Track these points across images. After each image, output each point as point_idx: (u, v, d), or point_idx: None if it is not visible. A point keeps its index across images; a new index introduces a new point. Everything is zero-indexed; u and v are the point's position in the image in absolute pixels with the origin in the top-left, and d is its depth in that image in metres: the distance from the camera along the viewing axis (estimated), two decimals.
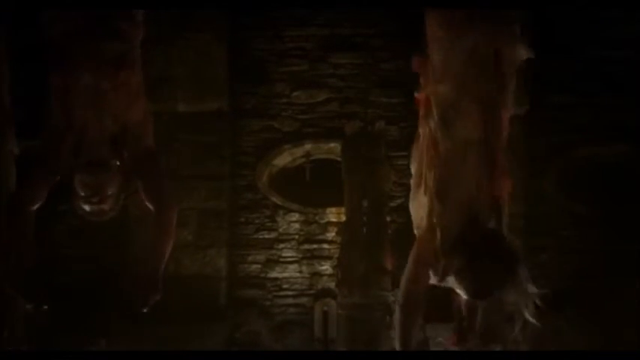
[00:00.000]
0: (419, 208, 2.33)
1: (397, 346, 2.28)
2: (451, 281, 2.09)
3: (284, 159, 5.08)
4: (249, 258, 4.98)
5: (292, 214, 5.01)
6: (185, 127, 4.71)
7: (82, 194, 2.35)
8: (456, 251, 2.07)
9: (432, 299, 4.47)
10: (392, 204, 4.59)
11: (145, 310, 2.54)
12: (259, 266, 4.98)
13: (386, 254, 4.22)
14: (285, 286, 4.97)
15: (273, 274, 4.98)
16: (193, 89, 4.71)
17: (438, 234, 2.13)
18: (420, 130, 2.38)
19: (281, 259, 4.99)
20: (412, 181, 2.41)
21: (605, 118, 4.75)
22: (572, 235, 4.73)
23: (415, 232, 2.38)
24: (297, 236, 5.02)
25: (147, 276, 2.54)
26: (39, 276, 2.46)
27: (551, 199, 4.81)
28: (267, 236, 5.00)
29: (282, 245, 5.01)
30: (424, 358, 3.63)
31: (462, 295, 2.14)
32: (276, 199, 5.00)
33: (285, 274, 4.98)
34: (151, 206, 2.50)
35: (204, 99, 4.73)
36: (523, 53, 2.22)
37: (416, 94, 2.37)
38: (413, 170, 2.44)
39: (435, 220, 2.15)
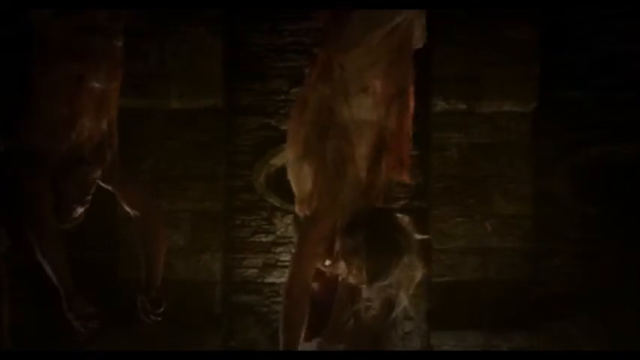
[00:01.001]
0: (305, 179, 2.21)
1: (281, 343, 2.15)
2: (341, 265, 2.07)
3: (282, 158, 4.90)
4: (246, 262, 4.94)
5: (290, 216, 4.91)
6: (178, 125, 4.67)
7: (77, 194, 2.31)
8: (354, 229, 2.04)
9: (437, 305, 4.39)
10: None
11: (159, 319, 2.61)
12: (256, 271, 4.93)
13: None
14: (282, 291, 4.87)
15: (271, 279, 4.92)
16: (187, 85, 4.66)
17: (339, 210, 2.09)
18: (309, 92, 2.25)
19: (279, 264, 4.93)
20: (292, 148, 2.27)
21: (617, 114, 4.69)
22: (583, 238, 4.67)
23: (298, 206, 2.27)
24: (295, 239, 4.87)
25: (149, 287, 2.55)
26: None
27: (560, 200, 4.77)
28: (264, 239, 4.96)
29: (279, 249, 4.95)
30: (424, 358, 3.75)
31: (352, 279, 2.09)
32: (273, 201, 4.95)
33: (283, 279, 4.65)
34: (133, 213, 2.45)
35: (199, 95, 4.69)
36: (419, 42, 2.22)
37: (316, 51, 2.26)
38: (293, 136, 2.26)
39: (334, 196, 2.09)
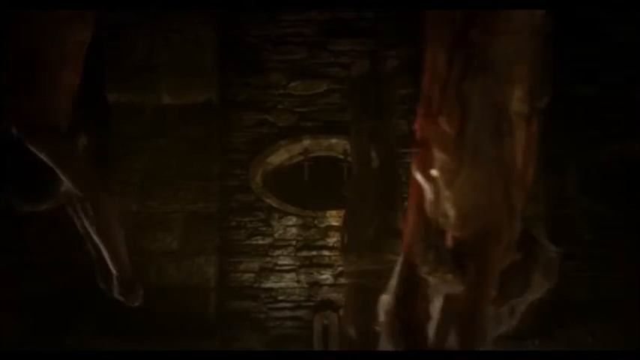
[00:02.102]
0: (472, 190, 1.94)
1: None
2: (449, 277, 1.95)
3: (280, 156, 5.00)
4: (242, 266, 4.87)
5: (289, 217, 4.91)
6: (170, 121, 4.61)
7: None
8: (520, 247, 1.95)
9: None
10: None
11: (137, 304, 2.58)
12: (252, 275, 4.87)
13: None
14: (281, 297, 4.86)
15: (268, 284, 4.87)
16: (179, 79, 4.62)
17: (516, 224, 1.93)
18: (454, 85, 1.98)
19: (277, 268, 4.89)
20: (453, 156, 1.97)
21: (632, 111, 4.63)
22: (597, 240, 4.60)
23: (458, 224, 1.97)
24: (294, 242, 4.91)
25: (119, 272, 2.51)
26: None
27: (573, 200, 4.71)
28: (261, 242, 4.90)
29: (277, 252, 4.90)
30: (424, 358, 3.58)
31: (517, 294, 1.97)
32: (271, 201, 4.91)
33: (282, 284, 4.87)
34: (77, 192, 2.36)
35: (192, 90, 4.64)
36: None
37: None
38: (452, 140, 1.95)
39: (512, 204, 1.92)
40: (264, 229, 4.89)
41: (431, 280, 2.03)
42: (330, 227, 4.88)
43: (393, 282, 2.13)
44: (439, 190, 1.96)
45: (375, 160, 4.00)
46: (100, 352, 4.06)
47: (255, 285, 4.86)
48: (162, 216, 4.45)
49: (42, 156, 2.24)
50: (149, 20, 4.54)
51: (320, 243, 4.89)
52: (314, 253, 4.89)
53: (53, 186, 2.31)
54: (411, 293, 2.08)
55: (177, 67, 4.60)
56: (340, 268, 4.67)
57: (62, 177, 2.28)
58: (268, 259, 4.88)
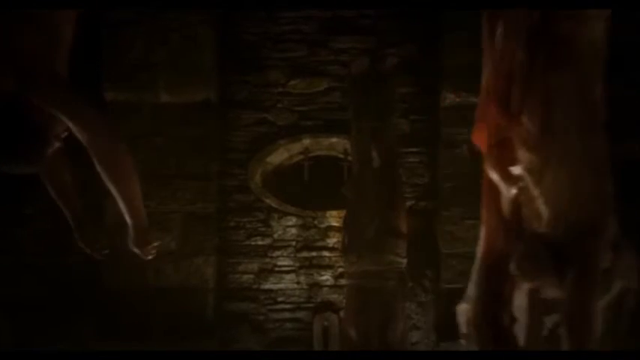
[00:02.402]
0: (564, 187, 1.87)
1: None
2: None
3: (279, 156, 4.97)
4: (241, 267, 4.86)
5: (289, 217, 4.88)
6: (168, 120, 4.59)
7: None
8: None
9: (447, 315, 4.33)
10: None
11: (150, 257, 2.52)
12: (252, 276, 4.85)
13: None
14: (280, 298, 4.84)
15: (268, 286, 4.85)
16: (177, 77, 4.60)
17: (611, 220, 1.91)
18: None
19: (276, 269, 4.87)
20: (542, 150, 1.90)
21: (634, 112, 4.55)
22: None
23: (551, 221, 1.90)
24: (294, 243, 4.89)
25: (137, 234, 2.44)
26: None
27: None
28: (260, 243, 4.88)
29: (277, 253, 4.88)
30: (425, 358, 3.67)
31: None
32: (270, 202, 4.88)
33: (281, 285, 4.85)
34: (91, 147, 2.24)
35: (190, 88, 4.61)
36: None
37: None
38: (540, 130, 1.90)
39: (605, 199, 1.91)
40: (263, 229, 4.88)
41: (521, 284, 1.99)
42: (331, 228, 4.87)
43: (472, 291, 2.06)
44: (528, 191, 1.90)
45: (376, 159, 3.98)
46: (100, 352, 4.05)
47: (255, 286, 4.84)
48: (160, 216, 4.40)
49: (52, 106, 2.17)
50: (147, 18, 4.51)
51: (320, 244, 4.87)
52: (314, 253, 4.88)
53: (42, 146, 2.23)
54: (497, 301, 2.03)
55: (175, 66, 4.58)
56: (340, 269, 4.67)
57: (77, 127, 2.19)
58: (267, 259, 4.86)
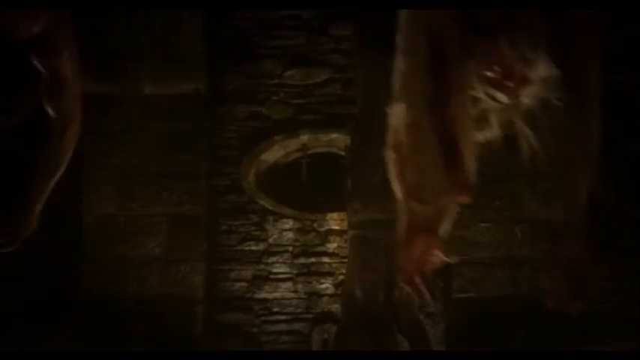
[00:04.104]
0: None
1: None
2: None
3: (275, 153, 4.92)
4: (232, 275, 4.83)
5: (285, 220, 4.85)
6: (153, 114, 4.51)
7: None
8: None
9: (457, 326, 4.20)
10: None
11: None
12: (244, 285, 4.83)
13: None
14: (276, 308, 4.81)
15: (262, 295, 4.82)
16: (163, 67, 4.52)
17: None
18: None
19: (271, 276, 4.84)
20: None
21: None
22: (632, 247, 4.40)
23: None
24: (291, 248, 4.86)
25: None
26: None
27: (605, 202, 4.48)
28: (254, 248, 4.85)
29: (272, 259, 4.85)
30: (424, 358, 3.62)
31: None
32: (265, 203, 4.84)
33: (277, 295, 4.82)
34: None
35: (177, 79, 4.53)
36: None
37: None
38: None
39: None
40: (257, 233, 4.84)
41: None
42: (331, 231, 4.83)
43: None
44: None
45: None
46: (100, 352, 3.95)
47: (248, 295, 4.82)
48: (143, 219, 4.39)
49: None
50: (129, 2, 4.37)
51: (320, 249, 4.83)
52: (313, 260, 4.83)
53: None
54: None
55: (160, 55, 4.50)
56: (342, 277, 4.60)
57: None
58: (262, 266, 4.84)
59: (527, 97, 1.95)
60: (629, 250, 4.43)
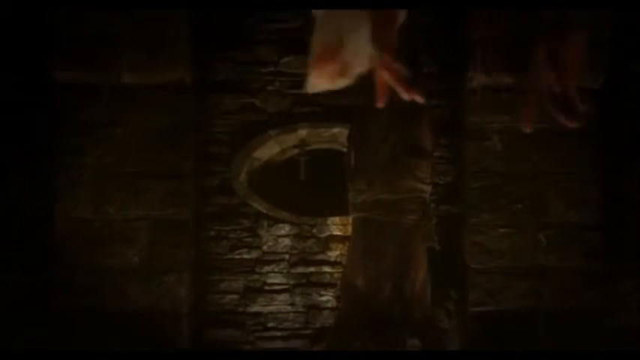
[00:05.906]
0: None
1: None
2: None
3: (270, 150, 4.79)
4: (222, 286, 4.71)
5: (281, 225, 4.73)
6: (133, 106, 4.39)
7: None
8: None
9: (474, 342, 4.15)
10: None
11: None
12: (236, 297, 4.71)
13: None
14: (271, 323, 4.70)
15: (255, 308, 4.70)
16: (144, 54, 4.38)
17: None
18: None
19: (266, 287, 4.72)
20: None
21: None
22: None
23: None
24: (287, 256, 4.73)
25: None
26: None
27: (635, 204, 4.49)
28: (246, 256, 4.72)
29: (266, 268, 4.72)
30: (424, 358, 3.60)
31: None
32: (258, 206, 4.71)
33: (272, 308, 4.71)
34: None
35: (159, 67, 4.40)
36: None
37: None
38: None
39: None
40: (250, 239, 4.72)
41: None
42: (332, 238, 4.70)
43: None
44: None
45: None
46: (100, 352, 3.95)
47: (240, 309, 4.71)
48: (121, 224, 4.27)
49: None
50: None
51: (319, 257, 4.70)
52: (312, 269, 4.72)
53: None
54: None
55: (141, 41, 4.36)
56: None
57: None
58: (255, 276, 4.73)
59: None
60: None
